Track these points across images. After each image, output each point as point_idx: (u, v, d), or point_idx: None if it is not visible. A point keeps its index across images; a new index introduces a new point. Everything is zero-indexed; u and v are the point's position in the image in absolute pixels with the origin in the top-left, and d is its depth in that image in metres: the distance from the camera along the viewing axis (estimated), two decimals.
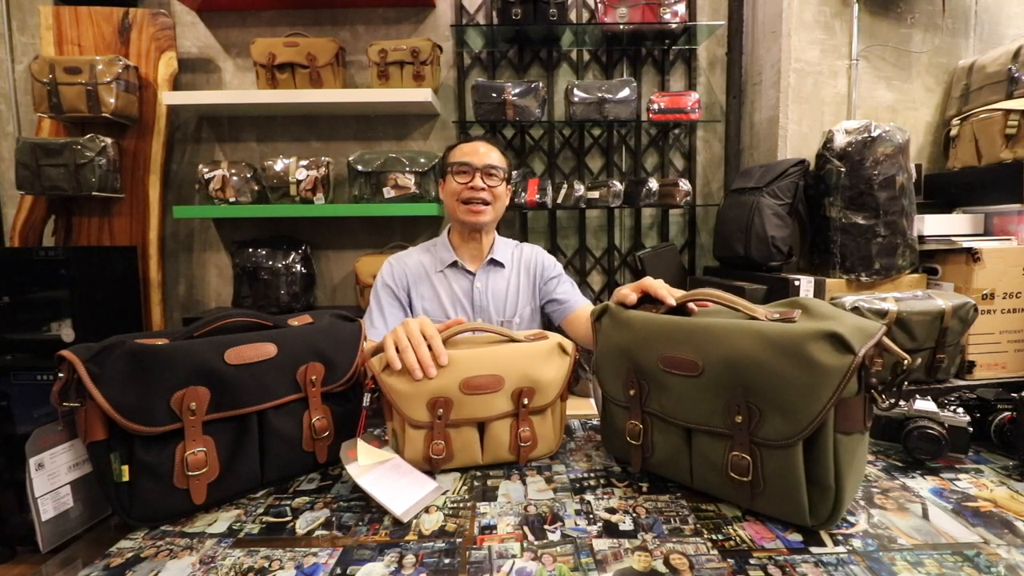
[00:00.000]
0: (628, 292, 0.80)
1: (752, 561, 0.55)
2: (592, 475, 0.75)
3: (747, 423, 0.60)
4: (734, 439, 0.61)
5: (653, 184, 2.02)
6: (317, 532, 0.62)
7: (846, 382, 0.55)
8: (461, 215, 1.22)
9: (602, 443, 0.84)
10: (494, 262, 1.29)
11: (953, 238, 1.77)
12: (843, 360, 0.55)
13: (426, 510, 0.66)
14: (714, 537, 0.59)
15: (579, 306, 1.30)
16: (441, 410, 0.73)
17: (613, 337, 0.76)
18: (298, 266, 2.12)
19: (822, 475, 0.57)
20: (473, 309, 1.26)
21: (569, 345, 0.82)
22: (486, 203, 1.22)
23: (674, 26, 2.01)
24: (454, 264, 1.27)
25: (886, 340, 0.57)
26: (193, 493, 0.66)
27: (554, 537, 0.60)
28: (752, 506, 0.63)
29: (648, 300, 0.79)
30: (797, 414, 0.57)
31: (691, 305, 0.75)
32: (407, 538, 0.60)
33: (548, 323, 1.41)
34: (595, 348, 0.80)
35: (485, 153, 1.22)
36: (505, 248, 1.32)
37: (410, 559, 0.57)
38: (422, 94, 1.98)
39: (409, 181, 2.01)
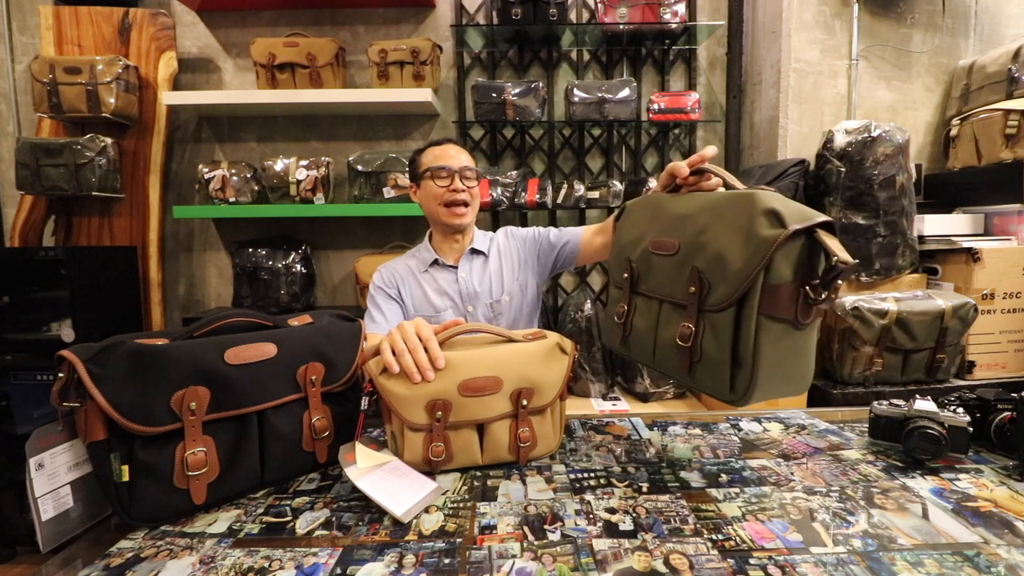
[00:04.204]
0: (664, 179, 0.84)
1: (752, 561, 0.55)
2: (592, 475, 0.75)
3: (699, 293, 0.65)
4: (687, 310, 0.67)
5: (653, 184, 2.02)
6: (317, 532, 0.62)
7: (774, 250, 0.57)
8: (445, 218, 1.26)
9: (601, 339, 0.87)
10: (474, 251, 1.33)
11: (953, 238, 1.77)
12: (772, 232, 0.58)
13: (426, 510, 0.66)
14: (714, 537, 0.59)
15: (582, 232, 1.33)
16: (440, 413, 0.72)
17: (625, 232, 0.83)
18: (298, 266, 2.12)
19: (743, 352, 0.60)
20: (461, 298, 1.29)
21: (568, 344, 0.82)
22: (466, 204, 1.26)
23: (674, 26, 2.01)
24: (436, 262, 1.31)
25: (822, 234, 0.57)
26: (193, 493, 0.66)
27: (554, 537, 0.60)
28: (690, 376, 0.67)
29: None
30: (733, 279, 0.61)
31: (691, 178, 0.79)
32: (407, 538, 0.60)
33: (546, 312, 1.41)
34: (612, 245, 0.87)
35: (458, 155, 1.27)
36: (483, 238, 1.37)
37: (410, 559, 0.57)
38: (422, 94, 1.98)
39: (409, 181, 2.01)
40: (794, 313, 0.59)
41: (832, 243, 0.57)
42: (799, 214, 0.59)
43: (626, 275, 0.79)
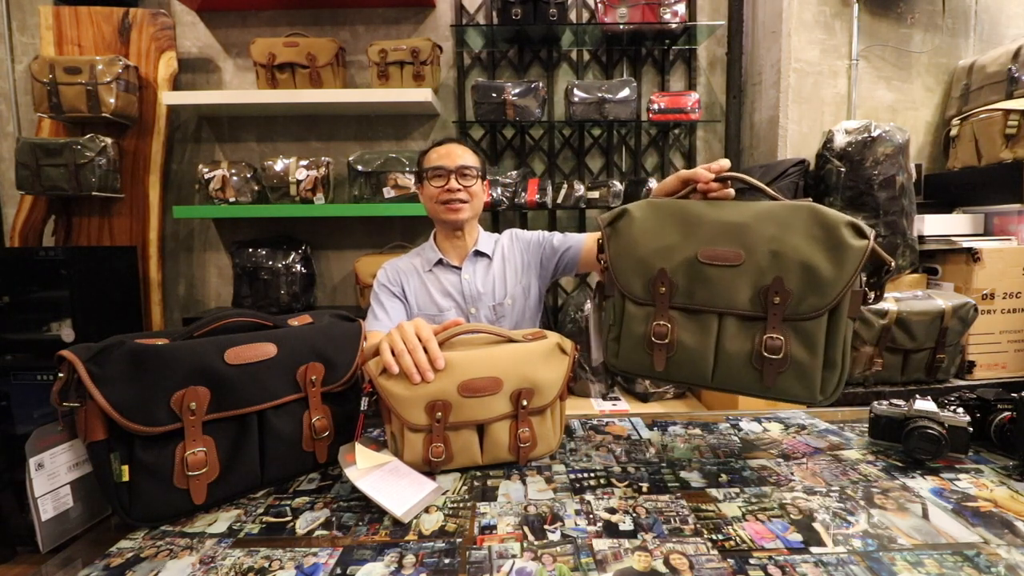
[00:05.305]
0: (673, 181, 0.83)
1: (752, 561, 0.55)
2: (592, 475, 0.75)
3: (783, 304, 0.66)
4: (769, 321, 0.66)
5: (653, 184, 2.02)
6: (317, 532, 0.62)
7: (865, 260, 0.63)
8: (442, 215, 1.27)
9: (608, 360, 0.79)
10: (479, 253, 1.33)
11: (953, 238, 1.77)
12: (862, 242, 0.64)
13: (426, 510, 0.66)
14: (714, 537, 0.59)
15: (584, 238, 1.33)
16: (440, 413, 0.72)
17: (642, 241, 0.75)
18: (298, 266, 2.12)
19: (833, 353, 0.65)
20: (465, 299, 1.29)
21: (568, 344, 0.82)
22: (463, 202, 1.25)
23: (674, 26, 2.01)
24: (440, 262, 1.32)
25: (875, 245, 0.65)
26: (193, 493, 0.66)
27: (554, 537, 0.60)
28: (772, 387, 0.66)
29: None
30: (828, 288, 0.64)
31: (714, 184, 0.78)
32: (407, 538, 0.60)
33: (546, 312, 1.41)
34: (609, 250, 0.78)
35: (459, 155, 1.26)
36: (488, 240, 1.37)
37: (410, 559, 0.57)
38: (422, 94, 1.98)
39: (409, 181, 2.01)
40: (859, 311, 0.65)
41: (882, 251, 0.65)
42: (863, 224, 0.65)
43: (663, 289, 0.72)
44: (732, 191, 0.80)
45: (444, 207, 1.25)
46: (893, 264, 0.65)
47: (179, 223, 2.30)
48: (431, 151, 1.29)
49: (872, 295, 0.66)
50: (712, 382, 0.70)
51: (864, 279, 0.65)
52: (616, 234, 0.78)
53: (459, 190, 1.23)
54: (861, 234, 0.63)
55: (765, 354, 0.66)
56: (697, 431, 0.91)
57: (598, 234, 1.31)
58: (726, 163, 0.78)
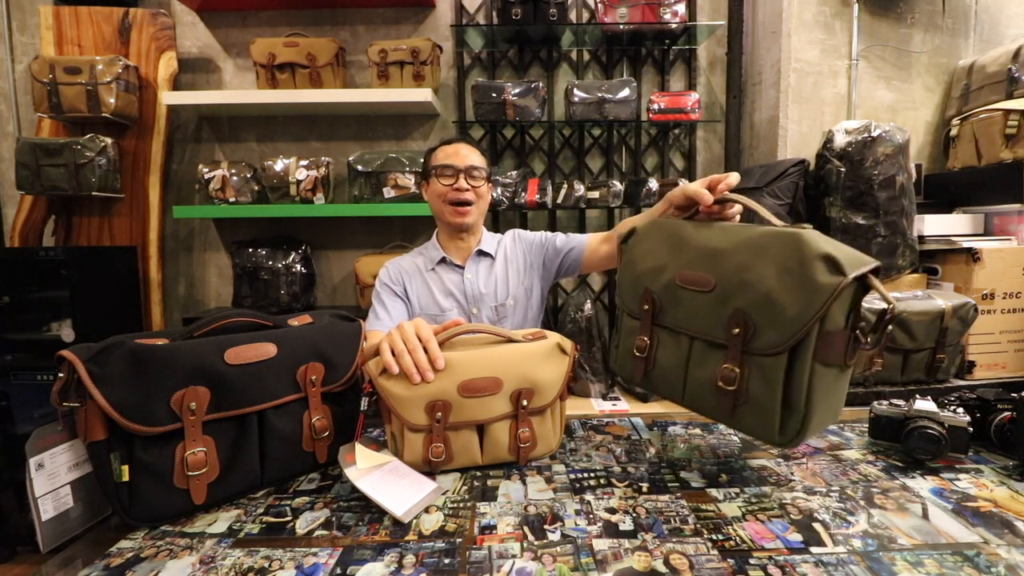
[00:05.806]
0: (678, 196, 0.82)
1: (752, 561, 0.55)
2: (592, 475, 0.75)
3: (743, 335, 0.62)
4: (728, 351, 0.64)
5: (653, 184, 2.02)
6: (317, 532, 0.62)
7: (833, 299, 0.56)
8: (448, 217, 1.27)
9: (611, 364, 0.84)
10: (482, 253, 1.33)
11: (953, 238, 1.77)
12: (833, 280, 0.56)
13: (426, 510, 0.66)
14: (714, 537, 0.59)
15: (587, 240, 1.33)
16: (440, 413, 0.72)
17: (640, 260, 0.78)
18: (298, 266, 2.12)
19: (795, 397, 0.59)
20: (467, 299, 1.29)
21: (568, 345, 0.82)
22: (470, 203, 1.26)
23: (674, 26, 2.01)
24: (443, 261, 1.31)
25: (873, 279, 0.58)
26: (193, 493, 0.66)
27: (554, 537, 0.60)
28: (731, 418, 0.65)
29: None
30: (787, 326, 0.58)
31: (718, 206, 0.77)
32: (407, 538, 0.60)
33: (548, 310, 1.41)
34: (619, 268, 0.83)
35: (467, 155, 1.26)
36: (491, 240, 1.37)
37: (410, 559, 0.57)
38: (422, 94, 1.98)
39: (409, 181, 2.01)
40: (844, 358, 0.59)
41: (882, 288, 0.57)
42: (852, 258, 0.58)
43: (647, 307, 0.74)
44: (737, 210, 0.79)
45: (452, 209, 1.25)
46: (894, 307, 0.57)
47: (179, 223, 2.30)
48: (439, 149, 1.29)
49: (867, 339, 0.59)
50: (683, 401, 0.71)
51: (853, 321, 0.58)
52: (626, 250, 0.82)
53: (467, 190, 1.24)
54: (837, 270, 0.56)
55: (720, 384, 0.64)
56: (697, 431, 0.91)
57: (600, 235, 1.31)
58: (734, 179, 0.77)
